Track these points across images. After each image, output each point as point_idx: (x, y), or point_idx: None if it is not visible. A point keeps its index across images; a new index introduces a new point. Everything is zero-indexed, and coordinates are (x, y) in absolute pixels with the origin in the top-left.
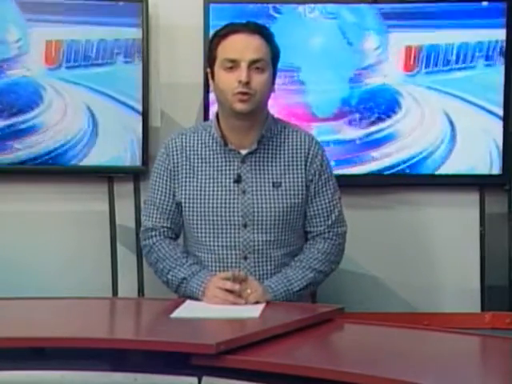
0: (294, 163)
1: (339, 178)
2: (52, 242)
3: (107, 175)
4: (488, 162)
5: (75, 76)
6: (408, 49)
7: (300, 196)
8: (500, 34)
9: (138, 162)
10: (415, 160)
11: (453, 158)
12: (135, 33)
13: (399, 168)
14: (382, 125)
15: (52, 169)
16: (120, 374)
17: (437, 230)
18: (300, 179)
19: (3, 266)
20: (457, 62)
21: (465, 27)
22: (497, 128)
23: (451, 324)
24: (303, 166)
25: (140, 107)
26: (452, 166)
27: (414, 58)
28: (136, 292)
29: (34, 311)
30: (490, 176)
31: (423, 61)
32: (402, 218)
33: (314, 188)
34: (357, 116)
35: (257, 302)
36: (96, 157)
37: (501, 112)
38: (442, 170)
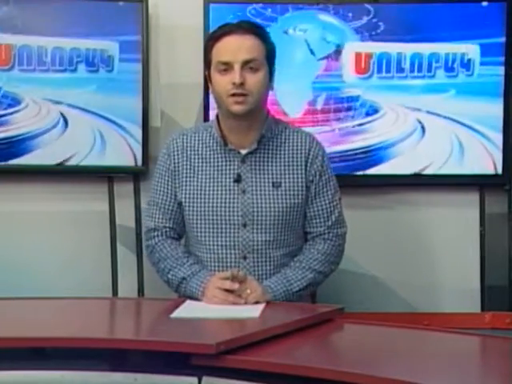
0: (294, 163)
1: (339, 177)
2: (52, 242)
3: (107, 175)
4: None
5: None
6: (358, 55)
7: (300, 196)
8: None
9: (138, 162)
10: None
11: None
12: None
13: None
14: (345, 123)
15: (52, 169)
16: (120, 373)
17: (437, 230)
18: (300, 179)
19: (3, 266)
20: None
21: (464, 27)
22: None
23: (451, 324)
24: (303, 167)
25: (140, 107)
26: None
27: (366, 63)
28: (136, 292)
29: (34, 311)
30: (490, 176)
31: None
32: (402, 218)
33: (315, 189)
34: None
35: (256, 302)
36: (96, 157)
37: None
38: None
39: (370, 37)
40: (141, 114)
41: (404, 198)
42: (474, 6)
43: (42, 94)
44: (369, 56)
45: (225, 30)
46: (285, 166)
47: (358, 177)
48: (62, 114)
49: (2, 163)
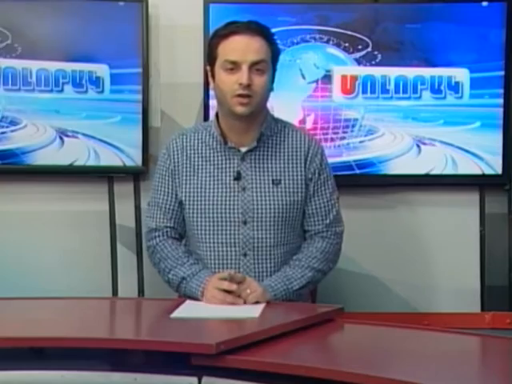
0: (294, 161)
1: (339, 177)
2: (52, 242)
3: (107, 175)
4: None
5: None
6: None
7: (299, 194)
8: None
9: (138, 162)
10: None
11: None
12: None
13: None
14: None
15: (52, 169)
16: (120, 373)
17: (437, 230)
18: (299, 177)
19: (3, 266)
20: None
21: (465, 27)
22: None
23: (451, 324)
24: (303, 164)
25: (140, 107)
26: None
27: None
28: (136, 292)
29: (34, 311)
30: (490, 176)
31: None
32: (402, 218)
33: (314, 187)
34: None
35: (256, 302)
36: (96, 157)
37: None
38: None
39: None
40: (141, 114)
41: (404, 198)
42: (473, 6)
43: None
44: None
45: (233, 29)
46: (284, 163)
47: (358, 177)
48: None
49: (3, 163)
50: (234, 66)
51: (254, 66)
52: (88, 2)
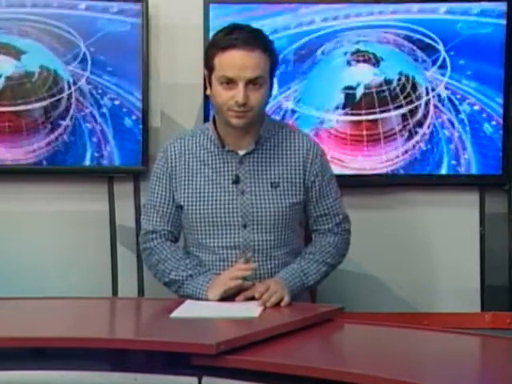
0: (292, 163)
1: (339, 177)
2: (52, 241)
3: (107, 175)
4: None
5: None
6: None
7: (298, 196)
8: None
9: (138, 162)
10: None
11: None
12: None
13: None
14: None
15: (52, 169)
16: (120, 373)
17: (437, 230)
18: (298, 179)
19: (3, 266)
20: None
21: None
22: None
23: (451, 324)
24: (301, 166)
25: (140, 107)
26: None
27: None
28: (136, 292)
29: (34, 311)
30: (490, 176)
31: None
32: (402, 218)
33: (320, 188)
34: None
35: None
36: (96, 157)
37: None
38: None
39: None
40: (141, 114)
41: (404, 198)
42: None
43: None
44: None
45: (231, 42)
46: (282, 166)
47: (358, 177)
48: None
49: (2, 163)
50: (231, 82)
51: (250, 83)
52: (88, 1)
